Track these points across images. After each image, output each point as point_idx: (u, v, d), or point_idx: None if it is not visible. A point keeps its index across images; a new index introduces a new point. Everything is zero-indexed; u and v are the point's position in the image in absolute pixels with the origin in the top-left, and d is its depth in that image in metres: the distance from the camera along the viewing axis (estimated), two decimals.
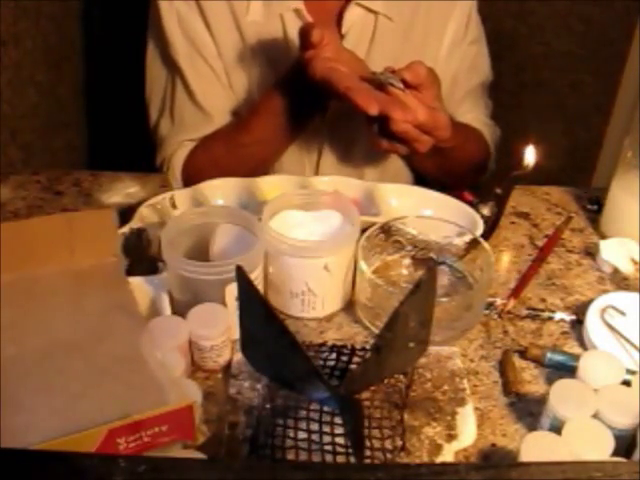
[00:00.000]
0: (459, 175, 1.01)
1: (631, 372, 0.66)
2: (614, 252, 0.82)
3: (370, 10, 0.95)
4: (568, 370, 0.69)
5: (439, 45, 1.01)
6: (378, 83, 0.79)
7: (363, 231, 0.75)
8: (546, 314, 0.77)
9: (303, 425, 0.61)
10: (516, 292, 0.79)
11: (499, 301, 0.77)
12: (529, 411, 0.67)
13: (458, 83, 1.03)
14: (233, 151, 0.94)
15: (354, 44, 0.94)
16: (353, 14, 0.95)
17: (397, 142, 0.80)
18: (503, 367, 0.71)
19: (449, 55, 1.01)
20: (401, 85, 0.78)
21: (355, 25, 0.96)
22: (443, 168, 1.00)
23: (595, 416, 0.60)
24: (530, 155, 0.83)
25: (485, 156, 1.06)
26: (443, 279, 0.77)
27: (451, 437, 0.63)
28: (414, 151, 0.81)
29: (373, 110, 0.75)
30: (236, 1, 0.95)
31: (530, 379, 0.70)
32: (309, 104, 0.90)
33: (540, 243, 0.86)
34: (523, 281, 0.80)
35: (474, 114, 1.06)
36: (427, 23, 0.99)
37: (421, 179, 1.06)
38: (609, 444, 0.58)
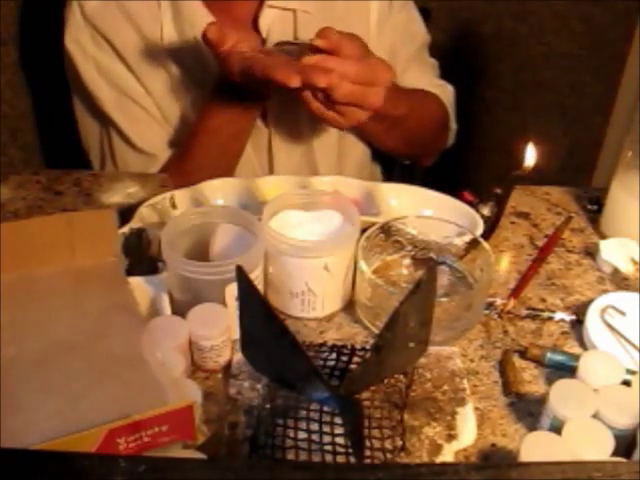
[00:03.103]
0: (422, 143, 1.00)
1: (631, 372, 0.66)
2: (614, 252, 0.82)
3: (286, 9, 0.94)
4: (568, 370, 0.69)
5: (366, 24, 0.99)
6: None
7: (363, 231, 0.75)
8: (546, 314, 0.76)
9: (303, 425, 0.61)
10: (516, 292, 0.79)
11: (499, 301, 0.77)
12: (529, 411, 0.67)
13: (397, 54, 1.02)
14: (180, 182, 0.88)
15: None
16: (269, 16, 0.94)
17: (351, 111, 0.79)
18: (503, 367, 0.71)
19: (380, 31, 1.00)
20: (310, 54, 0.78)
21: (274, 26, 0.94)
22: (405, 140, 0.99)
23: (595, 416, 0.60)
24: (531, 154, 0.83)
25: (443, 117, 1.05)
26: (443, 279, 0.77)
27: (451, 437, 0.63)
28: (371, 107, 0.79)
29: (295, 82, 0.73)
30: (149, 31, 0.93)
31: (530, 379, 0.70)
32: (243, 112, 0.90)
33: (540, 243, 0.86)
34: (523, 281, 0.80)
35: (422, 79, 1.05)
36: (348, 6, 0.98)
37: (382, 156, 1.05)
38: (609, 444, 0.58)
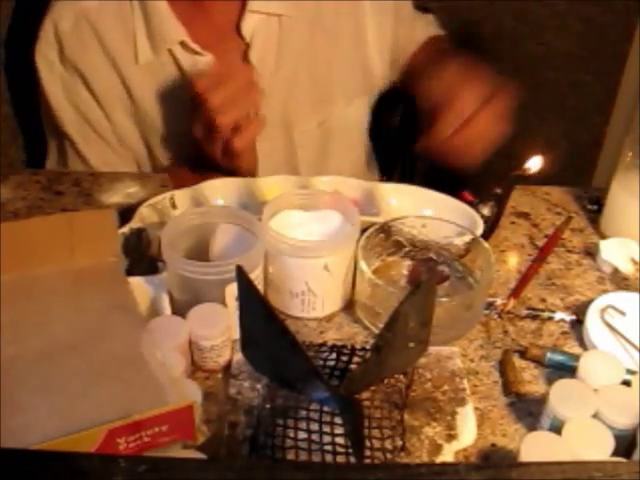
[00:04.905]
0: None
1: (631, 372, 0.66)
2: (614, 252, 0.82)
3: (270, 14, 0.93)
4: (568, 370, 0.69)
5: (357, 25, 0.98)
6: None
7: (363, 231, 0.75)
8: (546, 314, 0.76)
9: (303, 425, 0.61)
10: (516, 292, 0.79)
11: (499, 301, 0.77)
12: (529, 411, 0.67)
13: (399, 37, 1.03)
14: None
15: (261, 50, 0.93)
16: (252, 22, 0.93)
17: None
18: (503, 367, 0.71)
19: (379, 26, 1.00)
20: None
21: (258, 32, 0.93)
22: None
23: (595, 416, 0.60)
24: (535, 163, 0.84)
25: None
26: None
27: (451, 437, 0.63)
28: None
29: None
30: (121, 54, 0.92)
31: (530, 379, 0.70)
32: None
33: (540, 243, 0.86)
34: (523, 281, 0.80)
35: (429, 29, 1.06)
36: (337, 8, 0.97)
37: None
38: (609, 444, 0.58)
